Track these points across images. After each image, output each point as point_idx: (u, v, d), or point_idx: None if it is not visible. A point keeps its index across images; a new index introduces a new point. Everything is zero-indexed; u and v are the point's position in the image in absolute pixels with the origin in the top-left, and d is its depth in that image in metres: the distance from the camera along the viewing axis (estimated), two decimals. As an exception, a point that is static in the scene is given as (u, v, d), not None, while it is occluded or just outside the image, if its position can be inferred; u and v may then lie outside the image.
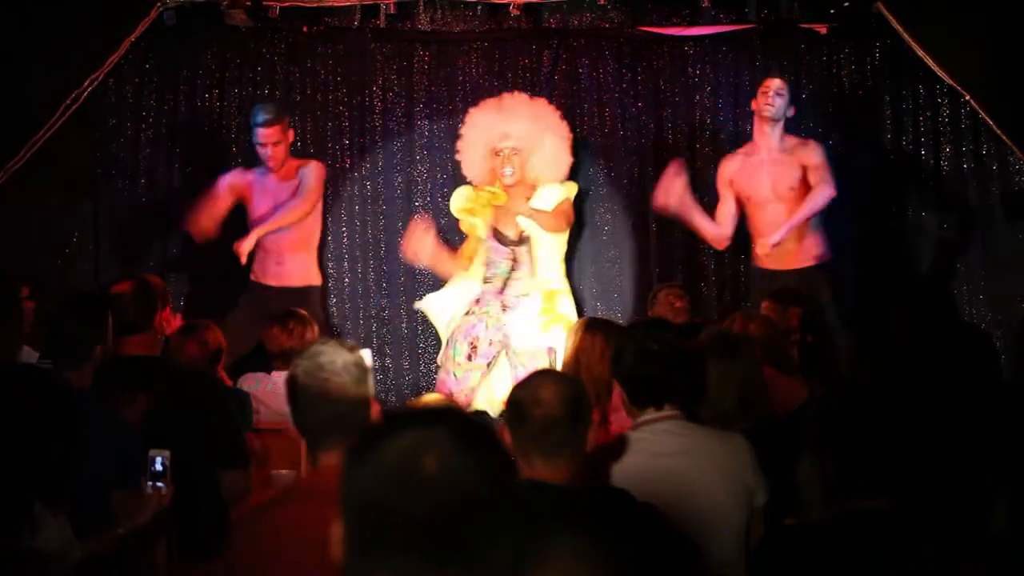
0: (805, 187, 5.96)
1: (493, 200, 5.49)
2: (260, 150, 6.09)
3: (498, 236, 5.53)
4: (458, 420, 1.46)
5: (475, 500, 1.40)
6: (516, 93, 5.93)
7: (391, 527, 1.39)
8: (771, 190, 5.97)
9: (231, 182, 6.23)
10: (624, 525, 1.51)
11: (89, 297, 3.84)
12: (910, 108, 6.67)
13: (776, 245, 5.82)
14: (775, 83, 6.05)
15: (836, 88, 6.74)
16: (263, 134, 6.04)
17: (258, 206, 6.13)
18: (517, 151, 5.49)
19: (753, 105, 6.10)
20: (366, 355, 2.65)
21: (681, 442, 3.04)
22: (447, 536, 1.38)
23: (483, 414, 4.66)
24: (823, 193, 5.91)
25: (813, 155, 6.01)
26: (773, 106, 5.98)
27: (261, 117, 6.06)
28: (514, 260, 5.59)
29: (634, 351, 3.10)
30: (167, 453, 3.07)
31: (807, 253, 5.99)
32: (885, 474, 2.37)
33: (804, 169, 5.98)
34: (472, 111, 5.81)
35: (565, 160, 5.71)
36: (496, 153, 5.51)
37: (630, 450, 3.01)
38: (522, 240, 5.57)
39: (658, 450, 3.00)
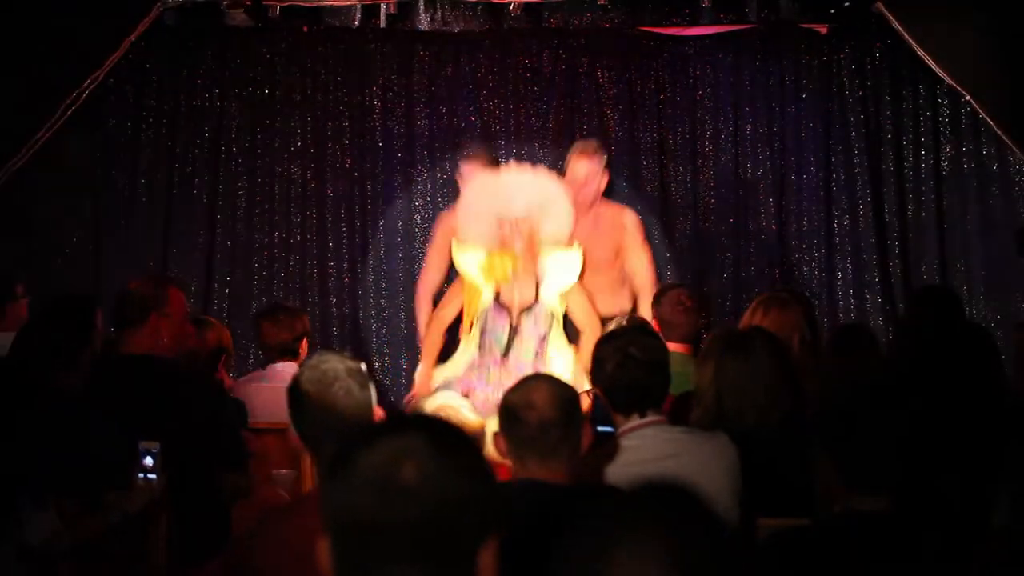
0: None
1: (504, 276, 5.15)
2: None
3: (499, 301, 5.22)
4: (431, 426, 1.48)
5: (455, 504, 1.41)
6: (513, 162, 5.65)
7: (376, 538, 1.40)
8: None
9: None
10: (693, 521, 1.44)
11: (76, 300, 3.85)
12: (910, 108, 6.67)
13: None
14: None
15: (836, 88, 6.74)
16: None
17: None
18: (524, 221, 5.20)
19: None
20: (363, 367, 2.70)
21: (667, 446, 3.03)
22: (431, 542, 1.40)
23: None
24: None
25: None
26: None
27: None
28: (514, 328, 5.12)
29: (615, 358, 3.09)
30: (157, 445, 3.08)
31: None
32: (885, 474, 2.37)
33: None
34: (471, 176, 5.49)
35: (569, 224, 5.37)
36: (501, 224, 5.22)
37: (617, 458, 3.00)
38: (524, 308, 5.22)
39: (645, 456, 2.99)
